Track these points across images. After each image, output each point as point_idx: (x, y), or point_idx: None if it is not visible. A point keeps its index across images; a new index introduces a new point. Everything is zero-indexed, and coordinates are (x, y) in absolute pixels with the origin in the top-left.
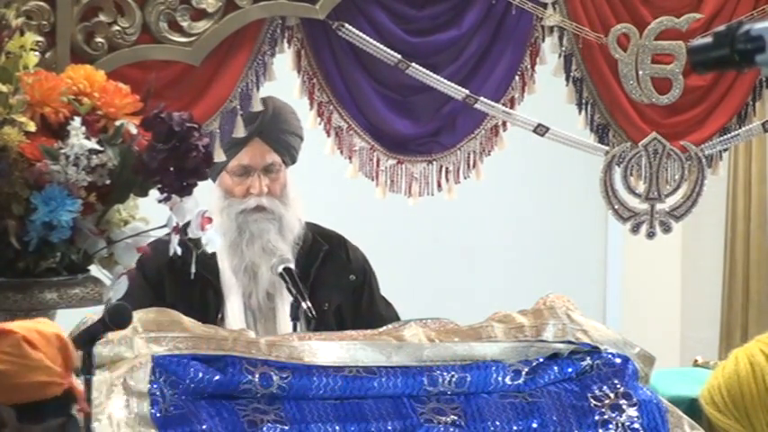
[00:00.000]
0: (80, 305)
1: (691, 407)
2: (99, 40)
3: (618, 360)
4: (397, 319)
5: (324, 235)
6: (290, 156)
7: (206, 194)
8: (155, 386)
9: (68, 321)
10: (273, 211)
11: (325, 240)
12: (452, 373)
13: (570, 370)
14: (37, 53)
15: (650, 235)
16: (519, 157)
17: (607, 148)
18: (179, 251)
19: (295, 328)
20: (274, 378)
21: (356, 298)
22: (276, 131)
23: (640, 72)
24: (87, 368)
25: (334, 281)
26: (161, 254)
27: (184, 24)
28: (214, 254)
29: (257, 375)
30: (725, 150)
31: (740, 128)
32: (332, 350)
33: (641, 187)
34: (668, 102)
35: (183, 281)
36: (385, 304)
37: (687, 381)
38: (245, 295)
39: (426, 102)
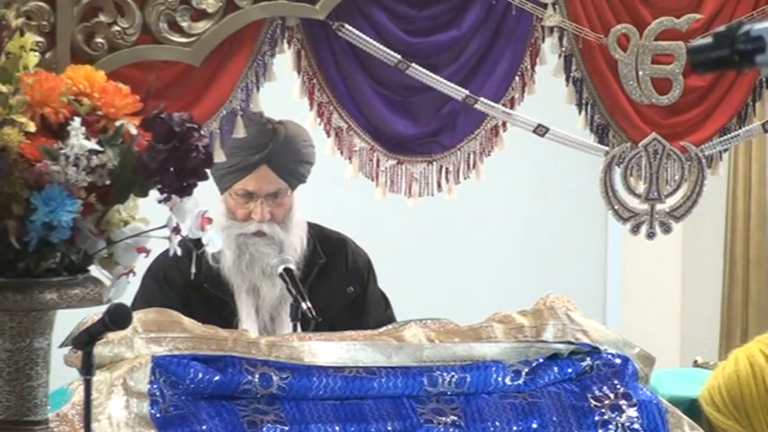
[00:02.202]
0: (80, 305)
1: (690, 407)
2: (99, 40)
3: (618, 360)
4: (392, 318)
5: (325, 243)
6: (298, 181)
7: (206, 200)
8: (154, 386)
9: (68, 322)
10: (273, 237)
11: (327, 247)
12: (452, 373)
13: (570, 370)
14: (37, 53)
15: (650, 235)
16: (519, 157)
17: (607, 148)
18: (179, 251)
19: (295, 329)
20: (274, 378)
21: (353, 307)
22: (285, 161)
23: (640, 72)
24: (87, 368)
25: (330, 293)
26: (186, 271)
27: (184, 25)
28: (226, 275)
29: (257, 376)
30: (725, 151)
31: (740, 128)
32: (332, 351)
33: (641, 188)
34: (668, 102)
35: (204, 301)
36: (383, 309)
37: (687, 381)
38: (255, 312)
39: (426, 102)
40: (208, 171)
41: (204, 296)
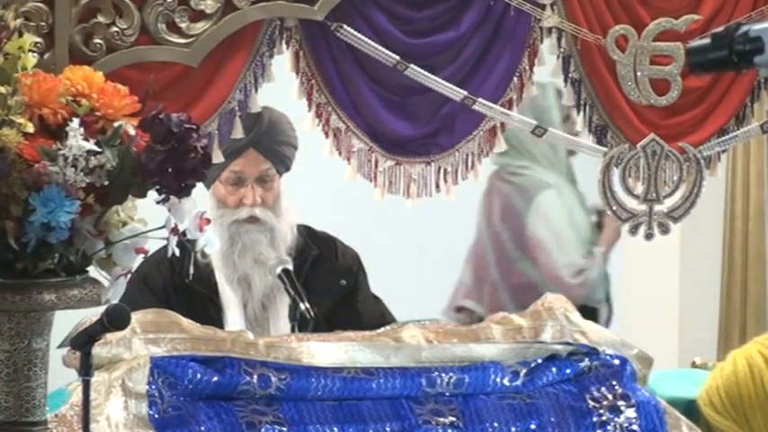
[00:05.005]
0: (78, 306)
1: (689, 408)
2: (97, 41)
3: (616, 361)
4: (387, 313)
5: (315, 238)
6: (284, 165)
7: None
8: (153, 387)
9: (67, 323)
10: (266, 222)
11: (316, 243)
12: (450, 374)
13: (568, 371)
14: (35, 54)
15: (648, 236)
16: None
17: (605, 149)
18: (177, 252)
19: (293, 329)
20: (273, 379)
21: (346, 301)
22: (271, 142)
23: (639, 73)
24: (86, 369)
25: (324, 285)
26: (165, 272)
27: (183, 25)
28: (211, 269)
29: (255, 376)
30: (723, 151)
31: (738, 129)
32: (330, 351)
33: (639, 188)
34: (666, 103)
35: (186, 299)
36: (374, 303)
37: (685, 382)
38: (241, 306)
39: (425, 103)
40: (205, 171)
41: (186, 294)
